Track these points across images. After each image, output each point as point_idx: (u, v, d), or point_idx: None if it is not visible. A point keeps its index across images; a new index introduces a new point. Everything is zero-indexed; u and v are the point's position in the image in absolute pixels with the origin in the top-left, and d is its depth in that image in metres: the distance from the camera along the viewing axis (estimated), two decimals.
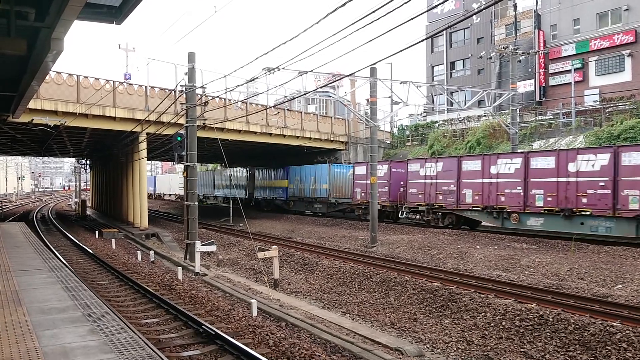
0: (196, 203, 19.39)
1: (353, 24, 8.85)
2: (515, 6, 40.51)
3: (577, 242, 17.47)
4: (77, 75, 24.23)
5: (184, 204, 20.06)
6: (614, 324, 9.17)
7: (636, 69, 33.24)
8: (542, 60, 38.11)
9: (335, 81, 45.83)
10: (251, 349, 7.76)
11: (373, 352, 8.52)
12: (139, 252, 19.78)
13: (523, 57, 29.13)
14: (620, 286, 12.39)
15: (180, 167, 41.31)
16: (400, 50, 9.77)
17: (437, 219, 24.40)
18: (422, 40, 9.91)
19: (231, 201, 36.16)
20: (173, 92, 23.94)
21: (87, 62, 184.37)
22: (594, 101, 34.08)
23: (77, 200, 48.56)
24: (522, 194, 20.19)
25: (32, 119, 22.05)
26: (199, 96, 20.28)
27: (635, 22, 33.21)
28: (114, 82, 25.57)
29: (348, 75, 17.26)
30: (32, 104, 21.41)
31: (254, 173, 44.63)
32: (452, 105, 36.27)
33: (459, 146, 34.57)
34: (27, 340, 5.93)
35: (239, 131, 30.19)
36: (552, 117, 33.42)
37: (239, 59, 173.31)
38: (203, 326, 8.82)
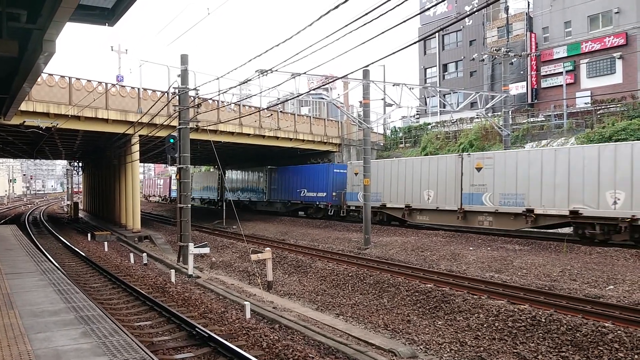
0: (189, 205, 19.33)
1: (346, 26, 8.89)
2: (507, 9, 40.77)
3: (569, 244, 17.60)
4: (70, 77, 24.07)
5: (177, 206, 20.00)
6: (606, 324, 9.23)
7: (627, 71, 33.54)
8: (534, 63, 38.37)
9: (328, 83, 45.88)
10: (244, 351, 7.75)
11: (366, 354, 8.53)
12: (131, 255, 19.69)
13: (515, 59, 29.34)
14: (612, 287, 12.48)
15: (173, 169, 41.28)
16: (393, 53, 9.82)
17: None
18: (415, 43, 9.96)
19: (224, 203, 36.20)
20: (166, 94, 23.87)
21: (80, 64, 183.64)
22: (586, 103, 34.33)
23: (69, 202, 48.27)
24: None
25: (24, 121, 21.93)
26: (192, 98, 20.23)
27: (626, 24, 33.52)
28: (106, 84, 25.42)
29: (341, 78, 17.27)
30: (23, 106, 21.26)
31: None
32: (444, 107, 36.42)
33: (452, 148, 34.70)
34: (19, 344, 5.89)
35: (232, 133, 30.13)
36: (544, 119, 33.62)
37: (232, 61, 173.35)
38: (196, 328, 8.80)
